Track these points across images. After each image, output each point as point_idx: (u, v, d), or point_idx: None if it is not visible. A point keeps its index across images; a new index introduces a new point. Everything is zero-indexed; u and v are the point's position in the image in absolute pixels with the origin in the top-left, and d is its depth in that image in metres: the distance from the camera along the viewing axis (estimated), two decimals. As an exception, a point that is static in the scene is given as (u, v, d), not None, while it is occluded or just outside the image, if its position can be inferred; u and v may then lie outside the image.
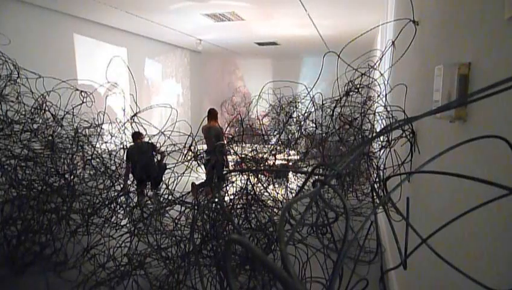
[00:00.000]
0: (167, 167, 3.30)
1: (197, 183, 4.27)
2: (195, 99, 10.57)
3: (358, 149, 0.96)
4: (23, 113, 3.16)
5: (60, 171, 2.97)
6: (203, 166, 2.81)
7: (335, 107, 2.43)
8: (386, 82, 2.68)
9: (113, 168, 3.09)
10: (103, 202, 2.80)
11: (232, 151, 3.01)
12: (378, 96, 2.53)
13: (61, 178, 2.95)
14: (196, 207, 2.16)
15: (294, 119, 3.51)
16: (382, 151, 2.29)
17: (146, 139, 3.00)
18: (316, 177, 0.73)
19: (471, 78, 0.96)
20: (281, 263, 0.40)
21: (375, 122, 2.80)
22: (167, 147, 2.65)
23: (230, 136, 3.33)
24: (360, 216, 3.31)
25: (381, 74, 2.74)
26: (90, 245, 2.60)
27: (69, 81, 3.39)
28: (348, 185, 2.69)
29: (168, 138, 2.64)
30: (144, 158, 3.80)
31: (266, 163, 3.27)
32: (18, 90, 3.24)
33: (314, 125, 2.97)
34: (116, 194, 2.79)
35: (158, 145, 2.99)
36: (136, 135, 4.15)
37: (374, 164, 2.45)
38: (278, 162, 3.67)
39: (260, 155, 3.21)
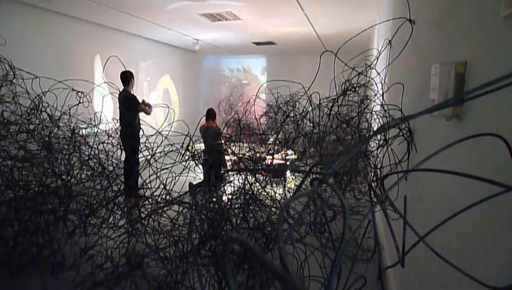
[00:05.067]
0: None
1: (194, 183, 4.26)
2: (192, 99, 10.55)
3: (356, 148, 0.96)
4: (19, 114, 3.14)
5: (57, 172, 2.96)
6: (200, 166, 2.81)
7: (332, 106, 2.44)
8: (382, 81, 2.69)
9: (111, 168, 3.08)
10: (100, 202, 2.79)
11: (229, 150, 3.01)
12: (375, 95, 2.54)
13: (58, 179, 2.93)
14: (194, 207, 2.15)
15: (292, 119, 3.51)
16: (379, 150, 2.30)
17: (144, 140, 3.00)
18: (314, 176, 0.73)
19: (467, 77, 0.97)
20: (279, 261, 0.40)
21: (372, 121, 2.81)
22: (164, 147, 2.64)
23: (228, 136, 3.33)
24: (358, 215, 3.32)
25: (378, 73, 2.75)
26: (88, 246, 2.59)
27: (65, 81, 3.37)
28: (345, 184, 2.70)
29: (166, 138, 2.63)
30: None
31: (264, 162, 3.28)
32: (14, 90, 3.22)
33: (311, 124, 2.98)
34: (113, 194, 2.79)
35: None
36: None
37: (371, 162, 2.46)
38: (275, 162, 3.67)
39: (258, 155, 3.21)
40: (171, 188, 2.45)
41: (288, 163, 3.87)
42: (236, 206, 2.33)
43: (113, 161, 3.18)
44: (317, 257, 1.90)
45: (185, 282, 2.17)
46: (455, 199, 1.03)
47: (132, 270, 2.26)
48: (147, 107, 4.85)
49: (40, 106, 3.17)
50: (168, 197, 2.39)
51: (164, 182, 2.46)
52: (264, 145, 3.61)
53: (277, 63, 10.76)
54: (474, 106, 0.91)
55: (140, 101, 4.86)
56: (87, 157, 3.08)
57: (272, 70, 10.78)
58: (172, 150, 2.60)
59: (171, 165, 2.51)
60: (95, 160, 3.09)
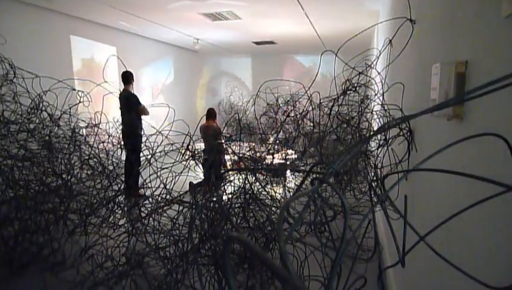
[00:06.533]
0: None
1: (195, 182, 4.27)
2: (193, 99, 10.55)
3: (356, 148, 0.96)
4: (20, 113, 3.14)
5: (57, 171, 2.96)
6: (200, 165, 2.81)
7: (332, 106, 2.44)
8: (383, 81, 2.69)
9: (111, 168, 3.09)
10: (101, 201, 2.79)
11: (229, 150, 3.01)
12: (376, 95, 2.53)
13: (58, 178, 2.93)
14: (194, 206, 2.15)
15: (292, 118, 3.51)
16: (379, 149, 2.29)
17: (144, 139, 3.00)
18: (314, 175, 0.73)
19: (468, 76, 0.97)
20: (279, 261, 0.40)
21: (373, 120, 2.81)
22: (164, 147, 2.64)
23: (228, 135, 3.33)
24: (358, 214, 3.32)
25: (379, 73, 2.75)
26: (88, 245, 2.59)
27: (65, 80, 3.37)
28: (345, 184, 2.70)
29: (166, 137, 2.63)
30: None
31: (264, 162, 3.28)
32: (14, 90, 3.22)
33: (311, 124, 2.97)
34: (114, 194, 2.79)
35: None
36: None
37: (371, 162, 2.45)
38: (275, 161, 3.67)
39: (258, 154, 3.21)
40: (171, 187, 2.45)
41: (288, 163, 3.87)
42: (237, 205, 2.33)
43: (114, 160, 3.18)
44: (318, 256, 1.90)
45: (185, 281, 2.17)
46: (456, 198, 1.03)
47: (132, 270, 2.26)
48: (145, 108, 4.87)
49: (41, 105, 3.17)
50: (168, 196, 2.39)
51: (164, 181, 2.46)
52: (264, 145, 3.61)
53: (278, 62, 10.70)
54: (475, 106, 0.91)
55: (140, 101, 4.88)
56: (87, 157, 3.08)
57: (274, 69, 10.70)
58: (172, 150, 2.60)
59: (172, 164, 2.51)
60: (95, 159, 3.09)
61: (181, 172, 2.51)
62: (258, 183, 2.58)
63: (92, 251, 2.56)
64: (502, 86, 0.47)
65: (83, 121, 3.27)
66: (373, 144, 2.56)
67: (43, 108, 3.18)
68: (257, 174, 2.74)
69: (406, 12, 2.02)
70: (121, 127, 4.50)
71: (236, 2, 4.99)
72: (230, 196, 2.40)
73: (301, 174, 3.78)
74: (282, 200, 2.91)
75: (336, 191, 0.61)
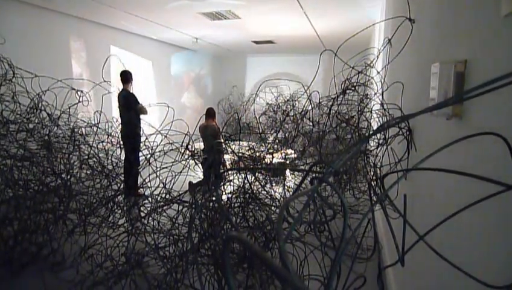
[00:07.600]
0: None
1: (194, 182, 4.26)
2: (192, 98, 10.54)
3: (356, 147, 0.97)
4: (19, 112, 3.13)
5: (57, 170, 2.95)
6: (200, 165, 2.80)
7: (332, 105, 2.44)
8: (382, 80, 2.69)
9: (110, 167, 3.08)
10: (100, 201, 2.79)
11: (229, 149, 3.01)
12: (375, 94, 2.53)
13: (57, 178, 2.93)
14: (194, 206, 2.15)
15: (291, 118, 3.51)
16: (379, 149, 2.29)
17: (143, 139, 3.00)
18: (314, 175, 0.73)
19: (467, 76, 0.97)
20: (279, 260, 0.40)
21: (372, 120, 2.81)
22: (164, 146, 2.64)
23: (227, 135, 3.33)
24: (358, 214, 3.33)
25: (378, 72, 2.75)
26: (88, 245, 2.59)
27: (65, 80, 3.36)
28: (345, 183, 2.70)
29: (165, 136, 2.63)
30: None
31: (263, 161, 3.28)
32: (13, 89, 3.22)
33: (311, 123, 2.97)
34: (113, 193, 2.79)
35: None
36: None
37: (370, 161, 2.46)
38: (275, 161, 3.67)
39: (257, 154, 3.21)
40: (170, 187, 2.45)
41: (288, 162, 3.87)
42: (236, 205, 2.33)
43: (113, 159, 3.18)
44: (317, 255, 1.90)
45: (184, 281, 2.17)
46: (455, 197, 1.03)
47: (132, 269, 2.26)
48: (143, 108, 4.85)
49: (40, 105, 3.16)
50: (167, 196, 2.39)
51: (164, 181, 2.46)
52: (263, 144, 3.61)
53: (278, 61, 10.68)
54: (474, 105, 0.91)
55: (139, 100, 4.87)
56: (86, 156, 3.08)
57: (273, 69, 10.70)
58: (172, 149, 2.60)
59: (171, 164, 2.51)
60: (94, 159, 3.09)
61: (180, 171, 2.51)
62: (257, 183, 2.57)
63: (92, 250, 2.56)
64: (501, 85, 0.47)
65: (82, 120, 3.27)
66: (372, 143, 2.56)
67: (42, 108, 3.17)
68: (257, 174, 2.74)
69: (406, 12, 2.02)
70: (120, 126, 4.50)
71: (236, 1, 4.99)
72: (229, 195, 2.40)
73: (301, 173, 3.78)
74: (282, 199, 2.91)
75: (336, 191, 0.61)
